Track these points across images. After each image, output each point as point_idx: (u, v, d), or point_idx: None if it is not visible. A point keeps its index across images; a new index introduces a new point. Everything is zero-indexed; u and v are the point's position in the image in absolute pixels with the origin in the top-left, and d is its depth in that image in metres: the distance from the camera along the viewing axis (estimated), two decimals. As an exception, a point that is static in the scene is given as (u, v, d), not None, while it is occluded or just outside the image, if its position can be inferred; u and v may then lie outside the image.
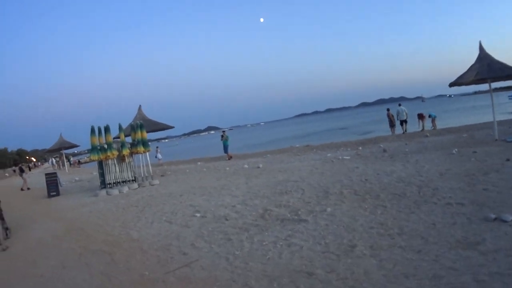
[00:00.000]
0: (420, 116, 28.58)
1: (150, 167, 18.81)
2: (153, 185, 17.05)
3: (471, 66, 16.57)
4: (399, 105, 28.62)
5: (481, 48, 16.55)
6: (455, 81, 17.12)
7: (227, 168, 19.78)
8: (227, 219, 8.46)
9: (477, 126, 25.19)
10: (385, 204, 7.89)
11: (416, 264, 4.85)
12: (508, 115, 39.55)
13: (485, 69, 15.78)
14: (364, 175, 11.63)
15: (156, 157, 32.74)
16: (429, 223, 6.33)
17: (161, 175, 20.96)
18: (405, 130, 27.41)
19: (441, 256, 4.98)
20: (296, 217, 7.79)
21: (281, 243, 6.39)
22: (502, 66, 15.75)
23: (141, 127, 18.23)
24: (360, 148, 21.17)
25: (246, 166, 19.49)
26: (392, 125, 28.37)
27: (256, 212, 8.77)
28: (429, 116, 28.54)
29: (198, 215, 9.30)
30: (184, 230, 8.18)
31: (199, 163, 27.60)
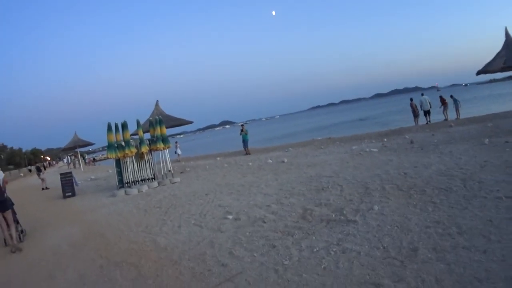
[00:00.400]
0: (442, 101, 27.30)
1: (169, 163, 17.89)
2: (174, 183, 16.15)
3: (498, 53, 16.15)
4: (422, 94, 27.70)
5: (507, 35, 16.00)
6: (483, 69, 17.01)
7: (250, 163, 18.92)
8: (264, 222, 7.49)
9: (499, 115, 24.46)
10: (433, 200, 7.13)
11: (486, 266, 4.34)
12: None
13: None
14: (401, 168, 10.80)
15: (175, 152, 32.19)
16: (485, 219, 5.73)
17: (181, 172, 20.16)
18: (429, 121, 26.51)
19: (508, 256, 4.49)
20: (342, 218, 6.87)
21: (334, 249, 5.48)
22: None
23: (160, 122, 17.32)
24: (385, 139, 20.42)
25: (270, 161, 18.65)
26: (416, 115, 27.25)
27: (296, 212, 7.82)
28: (454, 102, 26.98)
29: (230, 217, 8.34)
30: (217, 235, 7.21)
31: (218, 158, 26.79)
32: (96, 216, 11.69)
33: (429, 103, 26.57)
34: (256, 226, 7.36)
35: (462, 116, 26.71)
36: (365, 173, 10.82)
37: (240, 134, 27.10)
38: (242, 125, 28.53)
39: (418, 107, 27.04)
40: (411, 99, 27.63)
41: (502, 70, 16.29)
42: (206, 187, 13.22)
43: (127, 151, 15.70)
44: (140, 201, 12.92)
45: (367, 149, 16.71)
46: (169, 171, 17.65)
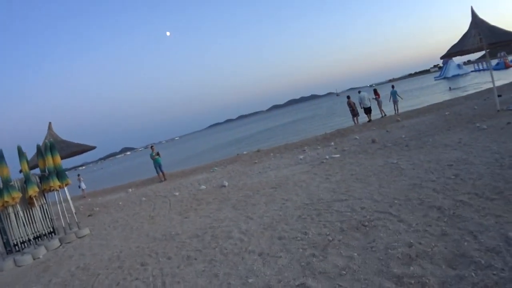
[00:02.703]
0: (376, 94, 25.24)
1: (72, 206, 12.42)
2: (82, 237, 10.99)
3: (467, 34, 14.93)
4: (359, 92, 25.15)
5: (473, 14, 15.05)
6: (453, 50, 15.50)
7: (177, 193, 14.51)
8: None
9: (445, 104, 23.48)
10: None
11: None
12: (452, 92, 40.29)
13: (488, 34, 14.35)
14: (432, 171, 8.08)
15: (79, 187, 26.84)
16: None
17: (88, 215, 15.09)
18: (370, 119, 24.04)
19: None
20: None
21: None
22: (503, 30, 14.52)
23: (51, 149, 11.71)
24: (333, 143, 17.53)
25: (203, 187, 14.36)
26: (354, 114, 24.52)
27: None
28: (392, 95, 25.00)
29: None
30: None
31: (130, 189, 21.51)
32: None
33: (369, 99, 24.37)
34: None
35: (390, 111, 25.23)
36: (392, 186, 7.63)
37: (152, 157, 22.13)
38: (152, 146, 23.58)
39: (357, 105, 24.47)
40: (348, 97, 25.04)
41: (479, 49, 15.27)
42: (134, 245, 8.29)
43: (6, 197, 10.07)
44: (40, 278, 7.59)
45: (327, 156, 13.82)
46: (75, 214, 12.17)
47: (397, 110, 24.86)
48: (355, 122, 24.25)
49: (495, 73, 50.43)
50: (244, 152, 26.19)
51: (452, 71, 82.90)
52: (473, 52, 16.34)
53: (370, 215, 6.18)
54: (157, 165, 22.09)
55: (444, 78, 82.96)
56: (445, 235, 4.76)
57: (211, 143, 75.03)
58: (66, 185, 11.95)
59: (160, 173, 22.05)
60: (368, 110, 24.04)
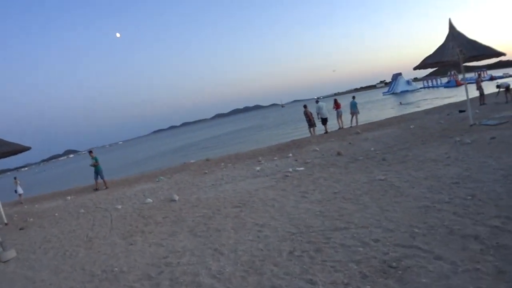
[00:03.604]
0: (336, 104, 24.22)
1: (4, 216, 10.13)
2: (6, 261, 8.68)
3: (444, 46, 14.55)
4: (317, 102, 23.73)
5: (451, 27, 14.75)
6: (432, 61, 14.98)
7: (119, 206, 12.45)
8: None
9: (405, 117, 22.92)
10: None
11: None
12: (402, 107, 41.16)
13: (468, 46, 14.06)
14: (439, 190, 6.98)
15: (15, 191, 23.96)
16: None
17: (20, 228, 12.77)
18: (327, 130, 22.88)
19: None
20: None
21: None
22: (482, 45, 14.32)
23: None
24: (290, 155, 16.23)
25: (149, 200, 12.36)
26: (311, 124, 23.08)
27: None
28: (352, 106, 23.87)
29: None
30: None
31: (69, 197, 18.87)
32: None
33: (328, 110, 23.30)
34: None
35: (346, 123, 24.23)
36: (398, 209, 6.36)
37: (92, 164, 19.84)
38: (90, 152, 21.24)
39: (314, 115, 23.11)
40: (305, 106, 23.62)
41: (459, 61, 14.55)
42: (65, 285, 6.23)
43: None
44: None
45: (290, 169, 12.47)
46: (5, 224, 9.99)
47: (357, 122, 23.91)
48: (311, 133, 22.90)
49: (445, 90, 52.30)
50: (192, 161, 24.07)
51: (401, 86, 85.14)
52: (450, 64, 16.07)
53: (392, 251, 4.77)
54: (99, 172, 19.85)
55: (393, 93, 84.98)
56: (502, 273, 3.78)
57: (155, 149, 71.72)
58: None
59: (99, 181, 19.86)
60: (325, 121, 22.90)
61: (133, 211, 11.12)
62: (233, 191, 10.84)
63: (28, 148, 16.33)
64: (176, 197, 11.48)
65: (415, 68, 15.92)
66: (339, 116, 23.84)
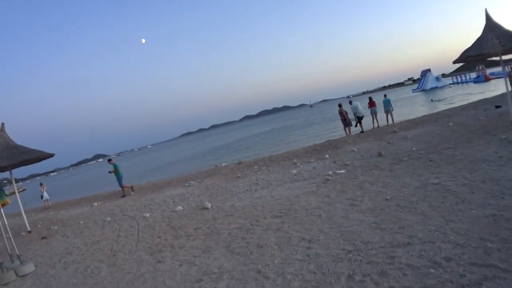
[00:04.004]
0: (371, 102, 23.12)
1: (27, 223, 9.44)
2: (24, 275, 8.14)
3: (483, 38, 13.37)
4: (350, 102, 22.62)
5: (488, 18, 13.63)
6: (473, 54, 13.56)
7: (147, 215, 11.81)
8: None
9: (441, 114, 21.58)
10: None
11: None
12: (434, 104, 39.56)
13: (507, 37, 12.85)
14: (502, 195, 6.10)
15: (41, 197, 24.23)
16: None
17: (42, 238, 12.26)
18: (363, 130, 21.80)
19: None
20: None
21: None
22: None
23: None
24: (327, 156, 15.43)
25: (179, 207, 11.63)
26: (347, 124, 21.99)
27: None
28: (385, 104, 22.83)
29: None
30: None
31: (95, 203, 18.41)
32: None
33: (363, 107, 22.36)
34: None
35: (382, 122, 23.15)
36: (464, 219, 5.49)
37: (112, 171, 19.47)
38: (109, 160, 20.93)
39: (350, 116, 22.16)
40: (340, 105, 22.43)
41: (504, 52, 13.49)
42: None
43: None
44: None
45: (330, 172, 11.54)
46: (28, 233, 9.37)
47: (393, 120, 22.75)
48: (347, 133, 21.83)
49: (475, 86, 50.60)
50: (223, 164, 23.26)
51: (430, 83, 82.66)
52: (492, 57, 14.60)
53: (469, 271, 3.96)
54: (118, 179, 19.33)
55: (422, 90, 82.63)
56: None
57: (184, 152, 71.28)
58: (4, 204, 9.35)
59: (121, 187, 19.36)
60: (361, 119, 21.88)
61: (162, 220, 10.40)
62: (270, 197, 9.96)
63: (51, 155, 15.99)
64: (209, 205, 10.68)
65: (454, 62, 14.93)
66: (374, 114, 22.75)
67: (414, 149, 12.33)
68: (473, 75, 75.19)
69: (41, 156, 15.30)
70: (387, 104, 22.57)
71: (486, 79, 62.13)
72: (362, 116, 21.85)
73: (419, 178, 8.45)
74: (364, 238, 5.55)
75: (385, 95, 23.36)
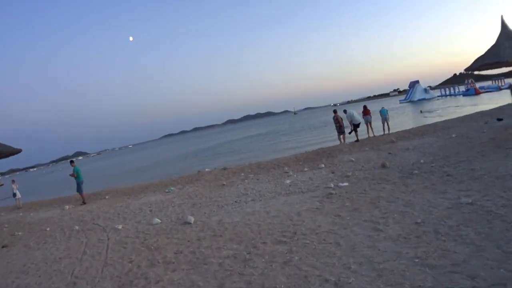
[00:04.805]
0: (365, 111, 21.86)
1: None
2: None
3: (498, 45, 13.25)
4: (345, 111, 21.17)
5: (504, 25, 13.44)
6: (491, 61, 13.52)
7: (119, 227, 10.18)
8: None
9: (439, 126, 20.78)
10: None
11: None
12: (423, 115, 39.10)
13: None
14: None
15: (14, 195, 22.66)
16: None
17: (3, 246, 10.68)
18: (358, 138, 20.56)
19: None
20: None
21: None
22: None
23: None
24: (323, 165, 14.14)
25: (157, 220, 9.98)
26: (341, 131, 20.65)
27: None
28: (382, 113, 22.15)
29: None
30: None
31: (67, 206, 16.89)
32: None
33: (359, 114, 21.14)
34: None
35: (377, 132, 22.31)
36: None
37: (72, 174, 17.91)
38: (71, 161, 19.28)
39: (346, 123, 20.86)
40: (335, 111, 21.08)
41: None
42: None
43: None
44: None
45: (331, 185, 10.29)
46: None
47: (389, 129, 21.93)
48: (341, 141, 20.53)
49: (465, 99, 51.00)
50: (207, 169, 21.54)
51: (418, 94, 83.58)
52: (508, 66, 14.64)
53: None
54: (77, 185, 17.75)
55: (410, 101, 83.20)
56: None
57: (165, 154, 69.18)
58: None
59: (81, 194, 17.75)
60: (357, 127, 20.59)
61: (136, 236, 8.79)
62: (266, 213, 8.46)
63: (18, 151, 14.83)
64: (191, 219, 9.11)
65: (466, 70, 14.66)
66: (368, 123, 21.67)
67: (421, 161, 11.36)
68: (462, 88, 75.85)
69: (7, 151, 14.32)
70: (384, 113, 21.86)
71: (477, 92, 62.71)
72: (359, 124, 20.62)
73: (444, 196, 7.25)
74: (412, 282, 4.09)
75: (382, 107, 22.82)
